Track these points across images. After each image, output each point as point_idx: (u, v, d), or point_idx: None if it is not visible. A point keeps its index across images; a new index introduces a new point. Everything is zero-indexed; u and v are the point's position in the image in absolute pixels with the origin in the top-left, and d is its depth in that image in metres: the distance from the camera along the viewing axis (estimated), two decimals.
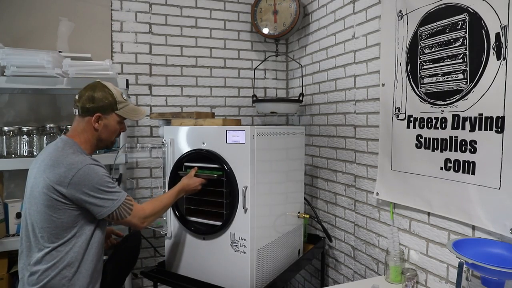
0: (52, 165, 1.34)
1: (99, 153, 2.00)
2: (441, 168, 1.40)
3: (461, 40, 1.32)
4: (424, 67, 1.47)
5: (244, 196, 1.55)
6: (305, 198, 2.13)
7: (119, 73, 2.31)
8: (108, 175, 1.40)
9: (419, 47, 1.49)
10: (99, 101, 1.46)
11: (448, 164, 1.37)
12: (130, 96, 2.35)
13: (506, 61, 1.16)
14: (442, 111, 1.39)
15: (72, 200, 1.34)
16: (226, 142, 1.61)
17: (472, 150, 1.28)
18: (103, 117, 1.48)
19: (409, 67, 1.55)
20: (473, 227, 1.31)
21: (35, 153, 1.86)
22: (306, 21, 2.45)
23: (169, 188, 1.78)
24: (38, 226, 1.35)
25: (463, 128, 1.31)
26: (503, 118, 1.18)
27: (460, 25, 1.32)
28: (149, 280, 1.87)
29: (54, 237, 1.34)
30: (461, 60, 1.32)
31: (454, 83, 1.35)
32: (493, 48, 1.20)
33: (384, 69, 1.70)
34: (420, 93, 1.49)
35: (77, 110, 1.48)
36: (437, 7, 1.41)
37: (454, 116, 1.35)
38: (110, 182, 1.39)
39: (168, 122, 2.00)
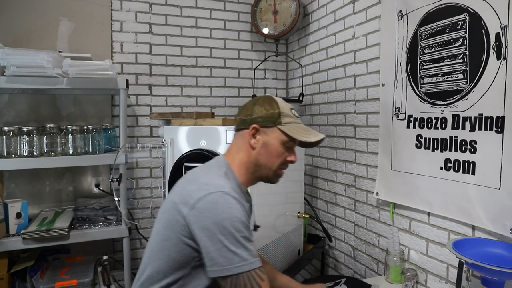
0: (189, 180, 1.08)
1: (99, 152, 2.00)
2: (441, 168, 1.40)
3: (461, 40, 1.32)
4: (424, 67, 1.47)
5: None
6: (305, 198, 2.13)
7: (119, 73, 2.31)
8: (246, 222, 0.99)
9: (419, 47, 1.49)
10: (259, 110, 1.13)
11: (448, 164, 1.37)
12: (130, 96, 2.35)
13: (506, 61, 1.16)
14: (442, 111, 1.39)
15: (189, 231, 0.98)
16: (226, 142, 1.61)
17: (472, 150, 1.28)
18: (261, 131, 1.12)
19: (409, 67, 1.55)
20: (473, 227, 1.31)
21: (35, 153, 1.86)
22: (306, 21, 2.45)
23: (169, 188, 1.78)
24: (149, 246, 1.07)
25: (463, 128, 1.31)
26: (503, 118, 1.18)
27: (460, 25, 1.32)
28: None
29: (156, 271, 1.02)
30: (461, 60, 1.32)
31: (454, 83, 1.35)
32: (493, 48, 1.20)
33: (384, 69, 1.70)
34: (420, 93, 1.49)
35: (235, 125, 1.20)
36: (437, 7, 1.41)
37: (454, 116, 1.35)
38: (247, 231, 0.97)
39: (168, 122, 2.00)
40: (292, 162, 1.18)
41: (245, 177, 1.14)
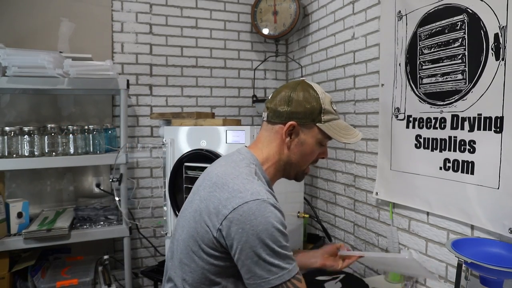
0: (215, 184, 0.94)
1: (100, 152, 2.00)
2: (440, 168, 1.40)
3: (460, 40, 1.32)
4: (423, 67, 1.48)
5: None
6: (305, 198, 2.14)
7: (119, 74, 2.32)
8: (284, 226, 0.90)
9: (418, 48, 1.50)
10: (298, 104, 1.01)
11: (447, 164, 1.38)
12: (131, 97, 2.36)
13: (505, 61, 1.17)
14: (441, 111, 1.40)
15: (221, 243, 0.90)
16: (226, 142, 1.62)
17: (471, 150, 1.28)
18: (299, 129, 1.02)
19: (408, 68, 1.55)
20: (472, 227, 1.31)
21: (36, 153, 1.87)
22: (306, 21, 2.45)
23: (169, 188, 1.78)
24: (177, 256, 0.98)
25: (462, 128, 1.32)
26: (501, 118, 1.18)
27: (459, 25, 1.32)
28: (150, 280, 1.87)
29: (191, 283, 0.94)
30: (460, 61, 1.32)
31: (453, 83, 1.35)
32: (492, 49, 1.21)
33: (383, 70, 1.70)
34: (419, 93, 1.50)
35: (266, 114, 1.06)
36: (436, 8, 1.41)
37: (453, 116, 1.35)
38: (284, 239, 0.89)
39: (168, 122, 2.01)
40: (323, 158, 1.11)
41: (273, 175, 1.05)
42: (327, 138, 1.06)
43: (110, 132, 2.10)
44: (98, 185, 2.30)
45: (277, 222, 0.87)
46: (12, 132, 1.84)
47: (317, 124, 1.03)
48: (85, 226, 1.97)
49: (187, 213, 0.99)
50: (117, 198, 2.00)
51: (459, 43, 1.33)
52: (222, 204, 0.89)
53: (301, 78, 1.07)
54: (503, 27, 1.17)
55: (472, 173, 1.28)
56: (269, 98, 1.08)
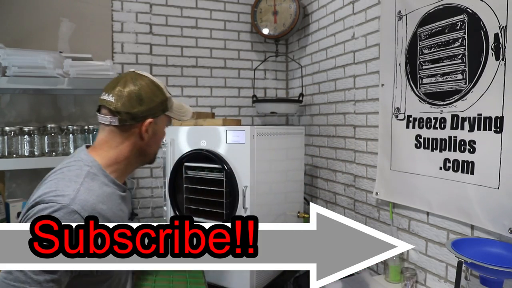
0: (42, 182, 0.97)
1: None
2: (440, 168, 1.40)
3: (460, 40, 1.32)
4: (424, 67, 1.48)
5: (244, 196, 1.56)
6: (305, 198, 2.14)
7: (119, 74, 2.31)
8: None
9: (418, 48, 1.50)
10: (150, 100, 0.98)
11: (447, 164, 1.38)
12: None
13: (505, 61, 1.17)
14: (441, 111, 1.40)
15: None
16: (226, 142, 1.62)
17: (471, 150, 1.29)
18: (153, 123, 1.02)
19: (408, 68, 1.55)
20: (472, 227, 1.31)
21: (36, 153, 1.87)
22: (306, 21, 2.45)
23: (169, 188, 1.78)
24: None
25: (462, 128, 1.32)
26: (501, 118, 1.18)
27: (459, 25, 1.32)
28: None
29: None
30: (460, 61, 1.33)
31: (453, 83, 1.35)
32: (492, 49, 1.21)
33: (383, 70, 1.70)
34: (419, 93, 1.50)
35: (115, 119, 0.97)
36: (436, 8, 1.41)
37: (453, 116, 1.35)
38: None
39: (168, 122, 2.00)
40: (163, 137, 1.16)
41: (123, 171, 1.06)
42: (172, 119, 1.12)
43: None
44: None
45: None
46: (12, 132, 1.84)
47: (166, 113, 1.06)
48: None
49: None
50: None
51: (459, 43, 1.33)
52: (31, 202, 0.91)
53: (132, 70, 1.05)
54: (503, 27, 1.17)
55: (472, 173, 1.28)
56: (111, 98, 0.97)
